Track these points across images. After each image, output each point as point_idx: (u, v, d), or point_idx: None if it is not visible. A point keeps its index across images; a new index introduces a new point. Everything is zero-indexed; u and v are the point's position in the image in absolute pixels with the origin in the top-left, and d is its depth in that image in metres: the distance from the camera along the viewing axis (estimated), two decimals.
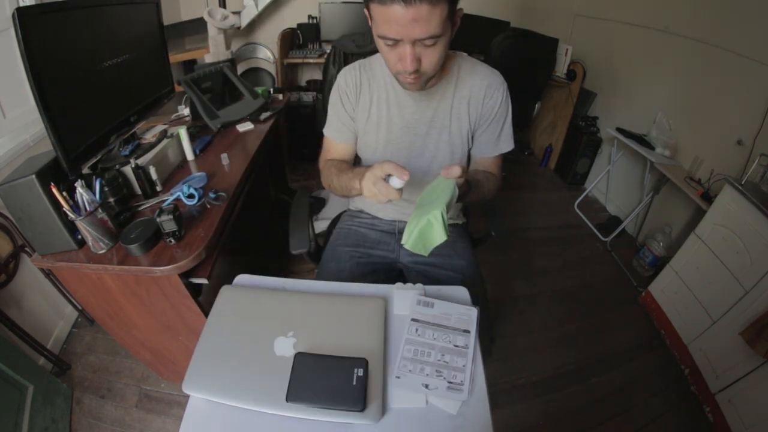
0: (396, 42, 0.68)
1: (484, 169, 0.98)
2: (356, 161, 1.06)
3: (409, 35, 0.66)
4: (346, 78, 0.93)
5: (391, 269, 1.09)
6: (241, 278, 0.79)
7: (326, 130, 1.00)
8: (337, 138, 0.99)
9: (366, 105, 0.94)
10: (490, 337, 1.55)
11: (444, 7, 0.64)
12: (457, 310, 0.71)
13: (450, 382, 0.61)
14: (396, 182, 0.68)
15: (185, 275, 0.93)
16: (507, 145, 0.96)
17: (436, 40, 0.68)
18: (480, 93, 0.89)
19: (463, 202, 0.85)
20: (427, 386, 0.60)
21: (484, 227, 1.12)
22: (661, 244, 1.99)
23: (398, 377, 0.61)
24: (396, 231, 1.09)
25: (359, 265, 1.03)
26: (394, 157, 0.96)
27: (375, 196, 0.72)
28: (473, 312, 0.71)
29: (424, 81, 0.77)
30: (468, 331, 0.68)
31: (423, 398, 0.59)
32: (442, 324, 0.69)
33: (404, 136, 0.94)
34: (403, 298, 0.73)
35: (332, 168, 0.95)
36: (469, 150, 0.98)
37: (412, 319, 0.69)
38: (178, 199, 1.03)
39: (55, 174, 0.84)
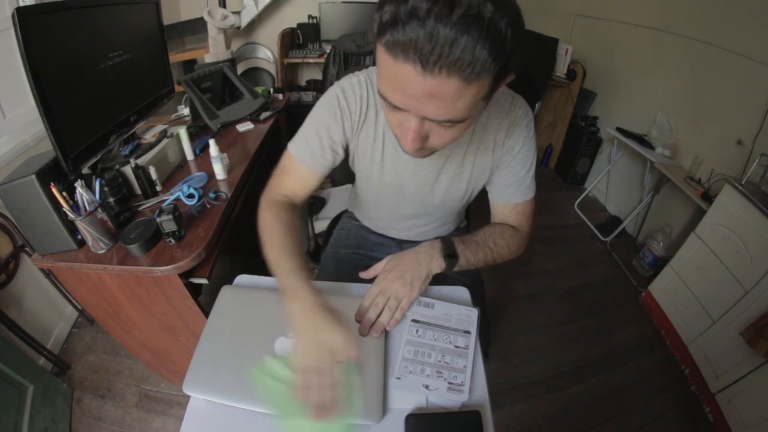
0: (399, 108, 0.48)
1: (501, 219, 0.82)
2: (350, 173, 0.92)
3: (419, 111, 0.46)
4: (347, 97, 0.71)
5: None
6: (241, 278, 0.79)
7: (295, 147, 0.77)
8: (307, 162, 0.76)
9: (370, 139, 0.75)
10: (486, 339, 1.55)
11: (483, 86, 0.43)
12: (458, 311, 0.70)
13: (450, 383, 0.60)
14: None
15: (185, 275, 0.93)
16: (531, 189, 0.79)
17: (457, 124, 0.48)
18: (500, 133, 0.72)
19: (463, 269, 0.72)
20: (427, 387, 0.60)
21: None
22: (661, 244, 1.99)
23: (398, 378, 0.61)
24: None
25: (360, 268, 0.96)
26: (393, 196, 0.84)
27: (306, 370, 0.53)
28: (474, 313, 0.71)
29: (428, 154, 0.59)
30: (468, 332, 0.68)
31: (423, 398, 0.59)
32: (443, 325, 0.68)
33: (409, 180, 0.80)
34: None
35: (276, 223, 0.70)
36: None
37: (413, 320, 0.69)
38: (178, 199, 1.03)
39: (55, 174, 0.84)
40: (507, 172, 0.76)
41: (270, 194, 0.79)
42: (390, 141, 0.75)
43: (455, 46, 0.38)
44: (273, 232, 0.69)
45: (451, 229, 1.04)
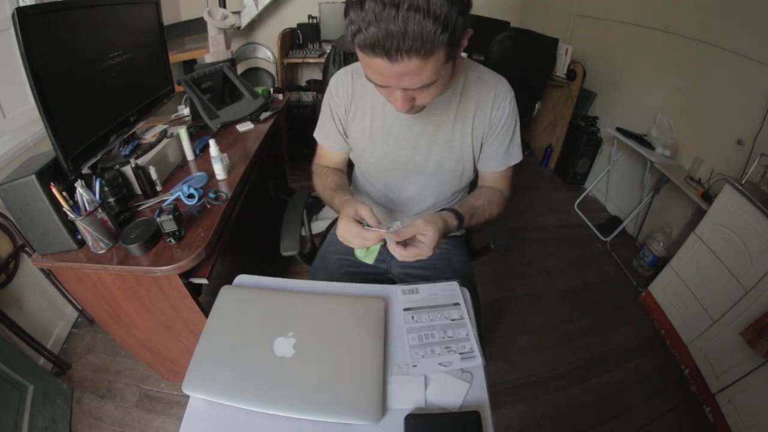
0: (384, 86, 0.62)
1: (491, 184, 0.92)
2: (350, 165, 1.03)
3: (398, 85, 0.59)
4: (338, 85, 0.87)
5: (382, 280, 1.04)
6: (241, 278, 0.79)
7: (317, 135, 0.97)
8: (326, 145, 0.96)
9: (359, 116, 0.87)
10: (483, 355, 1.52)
11: (441, 54, 0.54)
12: (441, 288, 0.76)
13: (462, 353, 0.64)
14: (389, 237, 0.69)
15: (185, 275, 0.93)
16: (515, 157, 0.89)
17: (432, 85, 0.61)
18: (486, 105, 0.82)
19: (459, 231, 0.81)
20: (442, 364, 0.62)
21: (486, 238, 1.06)
22: (661, 244, 1.99)
23: (415, 366, 0.62)
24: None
25: (348, 275, 0.99)
26: (390, 172, 0.91)
27: (348, 241, 0.72)
28: (455, 285, 0.76)
29: (421, 109, 0.72)
30: (458, 303, 0.72)
31: (422, 398, 0.59)
32: (432, 305, 0.72)
33: (402, 150, 0.87)
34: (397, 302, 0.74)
35: (326, 179, 0.92)
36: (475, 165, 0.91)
37: (405, 309, 0.71)
38: (178, 199, 1.04)
39: (55, 174, 0.84)
40: (495, 142, 0.86)
41: (315, 165, 1.01)
42: (378, 115, 0.86)
43: (407, 36, 0.50)
44: (322, 185, 0.93)
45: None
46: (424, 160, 0.88)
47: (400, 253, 0.69)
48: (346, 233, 0.72)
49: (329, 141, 0.94)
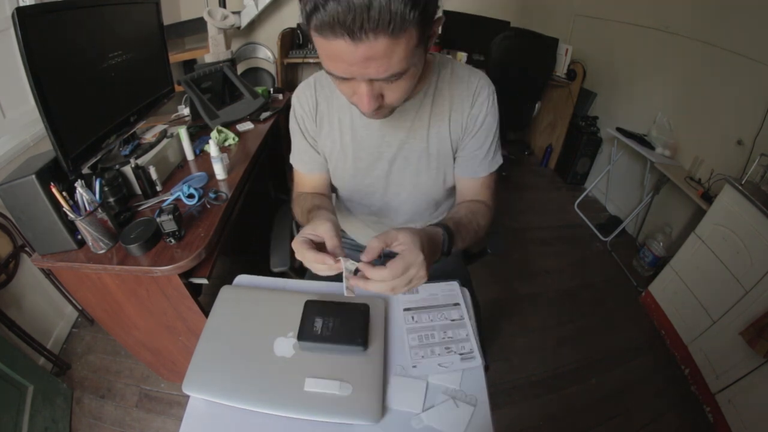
0: (346, 79, 0.52)
1: (472, 195, 0.82)
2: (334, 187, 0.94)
3: (363, 75, 0.50)
4: (300, 100, 0.80)
5: None
6: (241, 278, 0.79)
7: (293, 160, 0.88)
8: (302, 169, 0.87)
9: (326, 130, 0.80)
10: (484, 365, 1.48)
11: (412, 35, 0.46)
12: (441, 288, 0.75)
13: (461, 354, 0.64)
14: (349, 265, 0.55)
15: (185, 275, 0.93)
16: (496, 161, 0.80)
17: (402, 75, 0.51)
18: (463, 103, 0.74)
19: (451, 253, 0.67)
20: (442, 365, 0.62)
21: (482, 242, 1.00)
22: (661, 244, 1.99)
23: (415, 366, 0.62)
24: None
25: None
26: (366, 187, 0.85)
27: (307, 264, 0.58)
28: (455, 285, 0.75)
29: (390, 111, 0.63)
30: (458, 304, 0.72)
31: (421, 401, 0.59)
32: (433, 305, 0.72)
33: (376, 163, 0.80)
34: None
35: (304, 203, 0.81)
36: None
37: (405, 309, 0.71)
38: (178, 199, 1.04)
39: (55, 174, 0.84)
40: (473, 143, 0.77)
41: (294, 194, 0.90)
42: (347, 130, 0.78)
43: (372, 9, 0.42)
44: (300, 210, 0.81)
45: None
46: (400, 171, 0.81)
47: (377, 275, 0.53)
48: (299, 257, 0.58)
49: (305, 164, 0.86)
